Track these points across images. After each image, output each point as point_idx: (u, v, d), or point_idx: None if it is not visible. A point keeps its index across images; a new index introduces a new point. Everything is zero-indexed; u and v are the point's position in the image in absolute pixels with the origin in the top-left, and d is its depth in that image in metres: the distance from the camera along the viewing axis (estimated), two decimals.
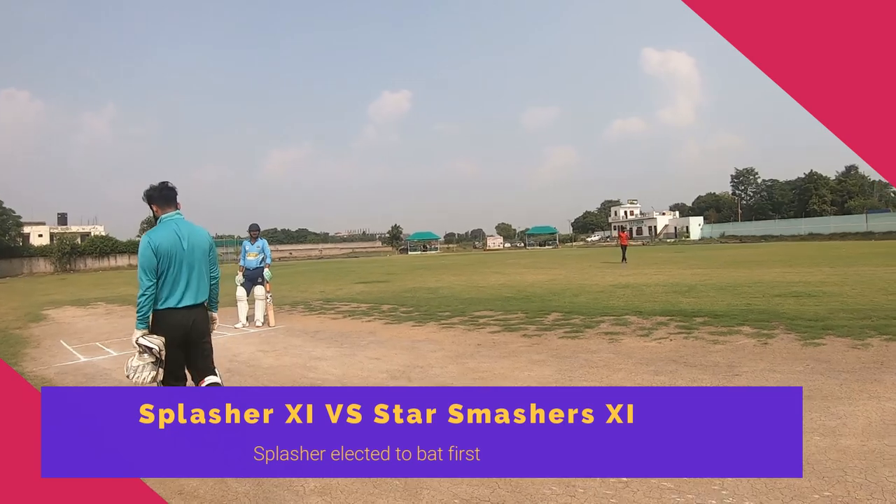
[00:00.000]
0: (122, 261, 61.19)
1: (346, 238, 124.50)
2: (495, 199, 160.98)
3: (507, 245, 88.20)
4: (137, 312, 3.64)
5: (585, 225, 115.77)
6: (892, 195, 75.40)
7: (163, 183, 3.92)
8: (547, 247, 79.37)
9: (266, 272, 10.60)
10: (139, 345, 3.61)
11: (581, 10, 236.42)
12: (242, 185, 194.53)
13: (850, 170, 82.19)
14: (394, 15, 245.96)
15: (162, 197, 3.89)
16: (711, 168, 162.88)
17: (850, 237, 57.86)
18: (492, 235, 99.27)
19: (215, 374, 3.98)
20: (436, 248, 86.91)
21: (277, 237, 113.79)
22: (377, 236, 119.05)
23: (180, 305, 3.74)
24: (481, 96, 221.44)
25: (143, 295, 3.63)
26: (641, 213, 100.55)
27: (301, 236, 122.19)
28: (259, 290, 10.43)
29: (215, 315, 4.14)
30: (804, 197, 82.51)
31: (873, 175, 79.82)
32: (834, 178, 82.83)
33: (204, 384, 3.86)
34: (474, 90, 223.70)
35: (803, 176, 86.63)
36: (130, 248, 63.41)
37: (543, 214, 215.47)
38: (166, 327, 3.70)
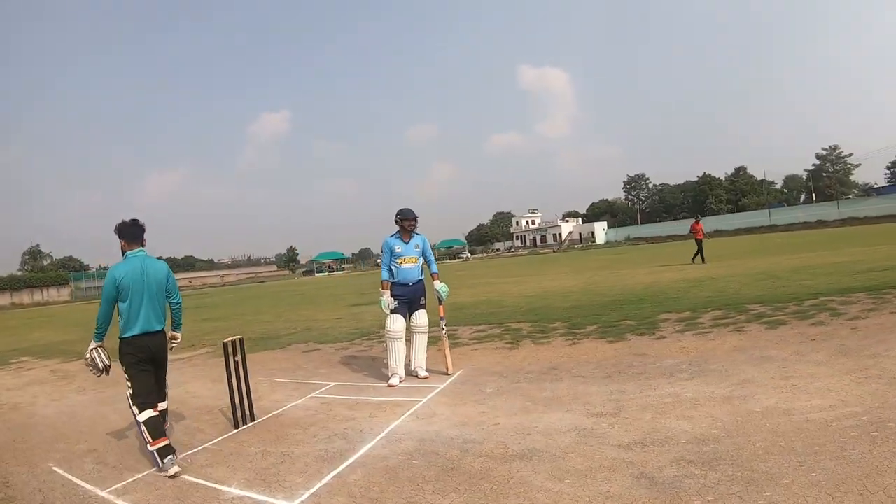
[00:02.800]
0: (4, 299, 52.13)
1: (231, 264, 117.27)
2: (379, 217, 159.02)
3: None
4: (96, 329, 4.35)
5: (480, 237, 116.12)
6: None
7: (133, 220, 4.52)
8: (458, 259, 77.93)
9: (440, 287, 6.53)
10: (92, 357, 4.44)
11: (459, 28, 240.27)
12: (115, 211, 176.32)
13: (739, 170, 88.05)
14: (270, 33, 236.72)
15: (130, 234, 4.48)
16: (592, 176, 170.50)
17: (756, 231, 61.42)
18: None
19: (165, 400, 4.59)
20: (343, 269, 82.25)
21: None
22: (262, 260, 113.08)
23: (142, 332, 4.30)
24: (363, 115, 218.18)
25: (102, 318, 4.31)
26: (542, 222, 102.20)
27: (188, 264, 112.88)
28: (422, 318, 6.43)
29: (178, 334, 4.85)
30: (700, 198, 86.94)
31: (758, 174, 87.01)
32: (725, 178, 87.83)
33: (157, 409, 4.30)
34: (355, 109, 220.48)
35: (695, 179, 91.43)
36: (11, 283, 55.88)
37: (431, 230, 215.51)
38: (135, 350, 4.28)
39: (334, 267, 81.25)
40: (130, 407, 4.23)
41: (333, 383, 6.39)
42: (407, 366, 6.36)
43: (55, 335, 15.92)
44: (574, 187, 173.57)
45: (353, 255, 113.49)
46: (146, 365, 4.31)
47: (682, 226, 72.73)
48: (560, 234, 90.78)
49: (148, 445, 4.04)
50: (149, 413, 4.15)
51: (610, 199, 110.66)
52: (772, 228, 62.36)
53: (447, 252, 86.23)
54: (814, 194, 77.73)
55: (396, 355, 6.18)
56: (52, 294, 59.15)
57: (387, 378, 6.19)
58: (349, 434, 4.42)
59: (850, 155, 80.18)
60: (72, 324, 20.46)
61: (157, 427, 4.10)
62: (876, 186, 75.14)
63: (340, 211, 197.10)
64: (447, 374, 6.22)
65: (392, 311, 6.25)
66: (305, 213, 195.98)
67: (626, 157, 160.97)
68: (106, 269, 73.95)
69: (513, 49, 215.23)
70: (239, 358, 5.06)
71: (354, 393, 5.85)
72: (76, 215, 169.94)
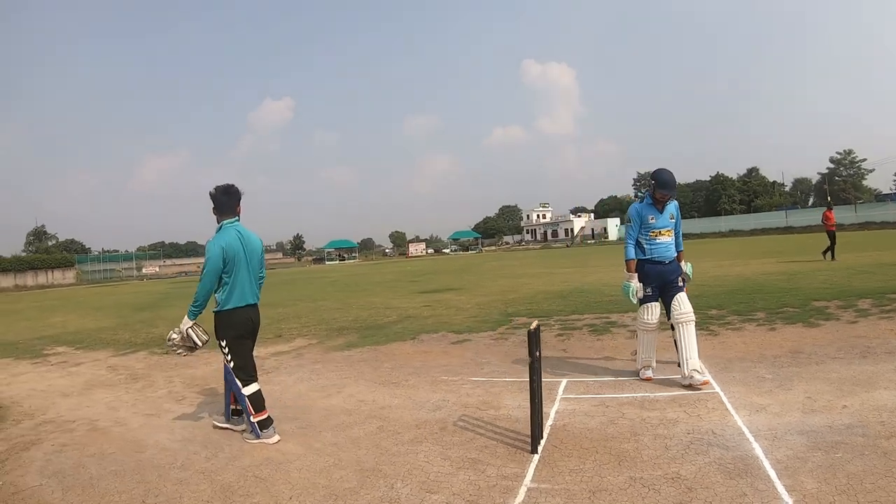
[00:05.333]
0: (7, 281, 49.94)
1: None
2: (378, 208, 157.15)
3: (431, 251, 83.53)
4: (194, 305, 4.06)
5: (487, 230, 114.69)
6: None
7: (226, 188, 4.25)
8: (471, 251, 76.61)
9: (688, 267, 5.32)
10: (188, 335, 4.17)
11: (463, 21, 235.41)
12: (114, 195, 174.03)
13: (752, 171, 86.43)
14: (275, 22, 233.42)
15: (222, 203, 4.22)
16: (597, 173, 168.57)
17: (772, 232, 60.36)
18: (413, 241, 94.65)
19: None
20: (354, 257, 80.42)
21: (167, 251, 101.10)
22: (266, 248, 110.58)
23: (245, 304, 4.16)
24: (363, 105, 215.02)
25: (205, 293, 4.05)
26: (553, 217, 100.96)
27: (191, 249, 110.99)
28: (685, 303, 4.98)
29: None
30: (713, 197, 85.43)
31: (771, 176, 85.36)
32: (737, 178, 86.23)
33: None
34: (356, 99, 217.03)
35: (706, 179, 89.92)
36: (16, 265, 53.32)
37: (435, 222, 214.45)
38: (236, 324, 4.12)
39: (345, 256, 79.25)
40: (234, 381, 4.13)
41: (565, 380, 5.21)
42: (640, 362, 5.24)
43: (82, 321, 14.01)
44: (578, 183, 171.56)
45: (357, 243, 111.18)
46: (247, 339, 4.24)
47: (697, 225, 72.10)
48: (572, 230, 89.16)
49: (250, 417, 4.06)
50: (253, 387, 4.13)
51: (619, 195, 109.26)
52: (788, 230, 61.34)
53: (458, 243, 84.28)
54: (829, 198, 76.50)
55: (649, 346, 5.13)
56: (58, 276, 56.91)
57: (620, 371, 5.33)
58: (718, 439, 3.54)
59: (864, 160, 78.05)
60: (93, 308, 18.57)
61: (260, 400, 4.12)
62: (886, 193, 73.93)
63: (340, 200, 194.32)
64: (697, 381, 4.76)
65: (644, 300, 5.08)
66: (305, 202, 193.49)
67: (632, 154, 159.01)
68: (109, 252, 73.95)
69: (517, 44, 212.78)
70: (538, 353, 3.67)
71: (615, 389, 4.87)
72: (76, 198, 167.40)
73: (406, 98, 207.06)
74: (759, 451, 3.26)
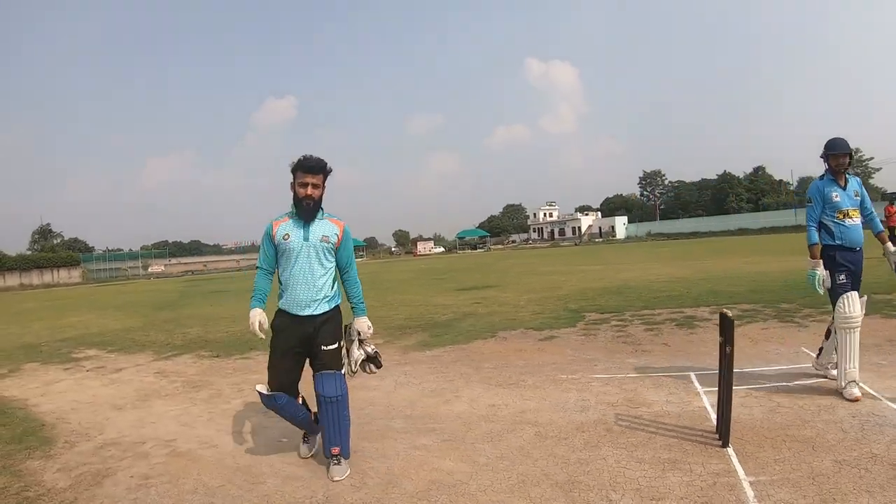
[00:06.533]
0: (12, 280, 48.94)
1: (234, 249, 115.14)
2: (380, 207, 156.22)
3: (441, 249, 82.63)
4: (362, 301, 3.55)
5: (492, 229, 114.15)
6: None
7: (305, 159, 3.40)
8: (479, 249, 75.86)
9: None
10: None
11: (465, 20, 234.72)
12: (120, 197, 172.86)
13: (758, 170, 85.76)
14: (280, 21, 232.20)
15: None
16: (601, 171, 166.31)
17: (781, 231, 59.89)
18: (419, 239, 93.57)
19: None
20: (362, 256, 79.71)
21: (172, 250, 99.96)
22: None
23: None
24: (366, 104, 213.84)
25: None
26: (560, 215, 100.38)
27: (195, 248, 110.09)
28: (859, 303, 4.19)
29: None
30: (720, 196, 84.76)
31: (777, 174, 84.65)
32: (744, 177, 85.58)
33: None
34: (359, 98, 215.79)
35: (713, 177, 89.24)
36: (21, 264, 52.45)
37: (440, 219, 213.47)
38: None
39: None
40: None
41: (692, 373, 4.90)
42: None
43: (103, 320, 13.02)
44: (583, 182, 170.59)
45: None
46: None
47: (705, 223, 71.40)
48: (580, 228, 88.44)
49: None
50: None
51: (624, 194, 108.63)
52: (798, 228, 60.76)
53: (467, 242, 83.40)
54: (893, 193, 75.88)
55: (853, 352, 4.07)
56: (63, 275, 55.82)
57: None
58: (884, 419, 3.49)
59: (872, 159, 77.23)
60: (110, 307, 17.53)
61: None
62: (892, 192, 73.47)
63: (343, 200, 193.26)
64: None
65: (838, 288, 4.20)
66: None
67: (637, 153, 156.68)
68: (113, 251, 73.32)
69: (520, 42, 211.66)
70: (729, 349, 3.29)
71: (748, 381, 4.57)
72: (78, 197, 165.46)
73: (408, 96, 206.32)
74: None
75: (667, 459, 3.15)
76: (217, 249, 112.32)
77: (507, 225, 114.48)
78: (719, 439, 3.33)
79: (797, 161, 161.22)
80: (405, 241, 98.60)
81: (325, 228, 3.34)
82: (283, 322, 3.30)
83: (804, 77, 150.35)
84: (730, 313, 3.32)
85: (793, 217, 65.75)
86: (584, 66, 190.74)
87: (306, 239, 3.27)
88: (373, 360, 3.47)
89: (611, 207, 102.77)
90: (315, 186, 3.27)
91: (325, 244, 3.32)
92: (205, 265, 72.31)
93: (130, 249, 70.18)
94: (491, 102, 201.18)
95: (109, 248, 69.62)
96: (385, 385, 5.20)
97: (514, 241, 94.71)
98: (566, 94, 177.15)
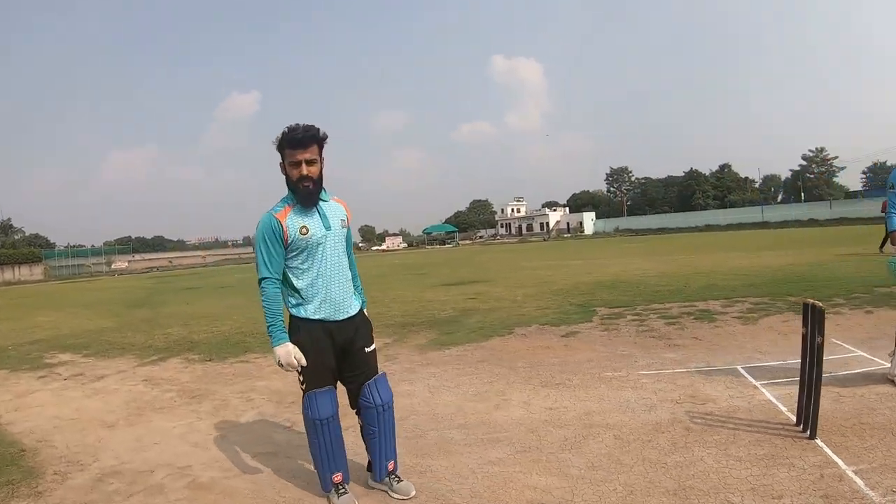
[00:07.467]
0: None
1: (198, 245, 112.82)
2: (347, 201, 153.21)
3: (405, 245, 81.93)
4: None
5: (459, 224, 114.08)
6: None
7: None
8: (447, 245, 75.44)
9: None
10: None
11: (431, 17, 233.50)
12: (82, 191, 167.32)
13: (725, 168, 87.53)
14: (245, 16, 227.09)
15: None
16: (566, 168, 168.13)
17: (748, 227, 60.99)
18: (386, 234, 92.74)
19: None
20: None
21: (135, 246, 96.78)
22: (229, 242, 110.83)
23: None
24: (331, 99, 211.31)
25: None
26: (528, 211, 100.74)
27: (159, 244, 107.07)
28: None
29: None
30: (687, 193, 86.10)
31: (743, 172, 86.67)
32: (710, 174, 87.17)
33: None
34: (324, 93, 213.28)
35: (679, 175, 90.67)
36: None
37: (407, 216, 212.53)
38: None
39: None
40: None
41: (739, 366, 4.77)
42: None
43: (75, 320, 12.03)
44: (549, 178, 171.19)
45: None
46: None
47: (672, 219, 72.66)
48: (548, 224, 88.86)
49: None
50: None
51: (591, 190, 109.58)
52: (764, 225, 62.14)
53: (435, 238, 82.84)
54: (803, 194, 77.89)
55: None
56: (24, 272, 53.04)
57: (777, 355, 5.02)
58: None
59: (836, 158, 79.65)
60: (79, 305, 16.36)
61: None
62: (856, 190, 75.96)
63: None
64: None
65: None
66: (274, 197, 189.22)
67: (603, 150, 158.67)
68: (76, 247, 70.43)
69: (487, 38, 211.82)
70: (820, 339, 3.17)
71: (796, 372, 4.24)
72: (38, 192, 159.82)
73: (373, 93, 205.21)
74: None
75: (764, 455, 3.00)
76: (181, 245, 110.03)
77: (473, 220, 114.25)
78: (803, 431, 3.25)
79: (763, 159, 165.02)
80: (371, 237, 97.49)
81: (338, 211, 2.81)
82: (316, 335, 2.67)
83: (770, 76, 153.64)
84: (819, 303, 3.20)
85: (759, 214, 67.33)
86: (550, 62, 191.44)
87: (328, 228, 2.71)
88: None
89: (578, 203, 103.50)
90: (310, 163, 2.64)
91: (344, 229, 2.81)
92: (170, 261, 69.61)
93: (93, 245, 67.18)
94: (457, 99, 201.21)
95: (72, 244, 66.88)
96: (418, 390, 4.70)
97: (481, 237, 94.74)
98: (532, 90, 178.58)
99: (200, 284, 22.67)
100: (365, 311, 2.95)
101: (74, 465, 3.48)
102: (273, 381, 5.33)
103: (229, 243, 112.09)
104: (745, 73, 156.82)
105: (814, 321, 3.19)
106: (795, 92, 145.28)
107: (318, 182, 2.69)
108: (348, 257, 2.88)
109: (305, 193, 2.65)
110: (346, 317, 2.74)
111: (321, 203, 2.74)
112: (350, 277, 2.84)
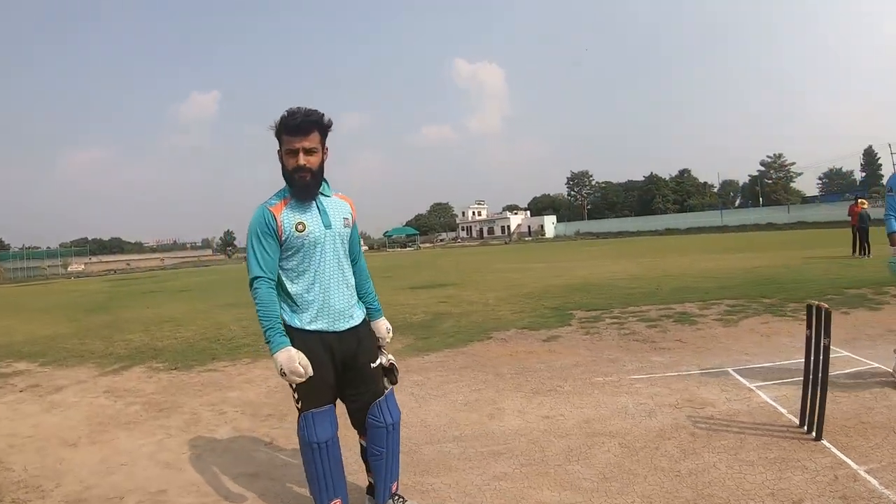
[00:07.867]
0: None
1: (156, 248, 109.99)
2: None
3: (366, 248, 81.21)
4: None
5: (419, 227, 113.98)
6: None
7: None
8: (409, 248, 75.06)
9: None
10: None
11: (394, 20, 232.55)
12: (35, 191, 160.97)
13: (684, 172, 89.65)
14: (207, 15, 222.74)
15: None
16: (526, 172, 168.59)
17: (707, 231, 62.57)
18: None
19: None
20: None
21: (92, 248, 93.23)
22: (188, 244, 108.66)
23: None
24: (292, 101, 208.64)
25: None
26: (490, 214, 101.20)
27: (116, 246, 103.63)
28: None
29: None
30: (647, 197, 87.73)
31: (702, 177, 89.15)
32: (670, 179, 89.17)
33: None
34: (285, 94, 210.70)
35: (639, 179, 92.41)
36: None
37: (366, 218, 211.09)
38: None
39: None
40: None
41: (730, 368, 4.82)
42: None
43: (29, 326, 11.34)
44: (510, 182, 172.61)
45: None
46: None
47: (633, 223, 73.86)
48: (509, 227, 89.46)
49: None
50: None
51: (552, 194, 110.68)
52: (723, 229, 63.64)
53: (396, 240, 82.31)
54: (761, 198, 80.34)
55: None
56: None
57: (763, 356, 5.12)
58: None
59: (794, 164, 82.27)
60: (34, 310, 15.48)
61: None
62: (812, 196, 78.78)
63: (265, 196, 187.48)
64: None
65: None
66: (234, 199, 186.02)
67: (563, 154, 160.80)
68: (31, 249, 67.67)
69: (448, 42, 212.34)
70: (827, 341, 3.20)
71: (790, 374, 4.50)
72: None
73: (335, 95, 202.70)
74: None
75: (775, 459, 2.99)
76: (139, 247, 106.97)
77: (434, 223, 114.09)
78: (808, 433, 3.26)
79: (721, 164, 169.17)
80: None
81: (341, 208, 2.53)
82: (313, 348, 2.36)
83: (729, 81, 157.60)
84: (825, 305, 3.19)
85: (719, 218, 69.05)
86: (511, 67, 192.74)
87: (328, 225, 2.44)
88: (389, 372, 2.65)
89: (539, 207, 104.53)
90: (309, 152, 2.38)
91: (347, 229, 2.53)
92: (128, 263, 67.67)
93: (48, 247, 64.84)
94: (419, 102, 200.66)
95: (27, 246, 64.36)
96: (403, 399, 4.42)
97: (443, 240, 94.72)
98: (493, 94, 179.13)
99: (160, 288, 21.90)
100: (381, 318, 2.75)
101: (34, 492, 3.14)
102: (246, 392, 5.05)
103: (188, 245, 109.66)
104: (702, 80, 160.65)
105: (819, 323, 3.22)
106: (753, 98, 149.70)
107: (317, 174, 2.42)
108: (356, 261, 2.64)
109: (301, 185, 2.39)
110: (348, 327, 2.48)
111: (321, 198, 2.48)
112: (353, 283, 2.58)
